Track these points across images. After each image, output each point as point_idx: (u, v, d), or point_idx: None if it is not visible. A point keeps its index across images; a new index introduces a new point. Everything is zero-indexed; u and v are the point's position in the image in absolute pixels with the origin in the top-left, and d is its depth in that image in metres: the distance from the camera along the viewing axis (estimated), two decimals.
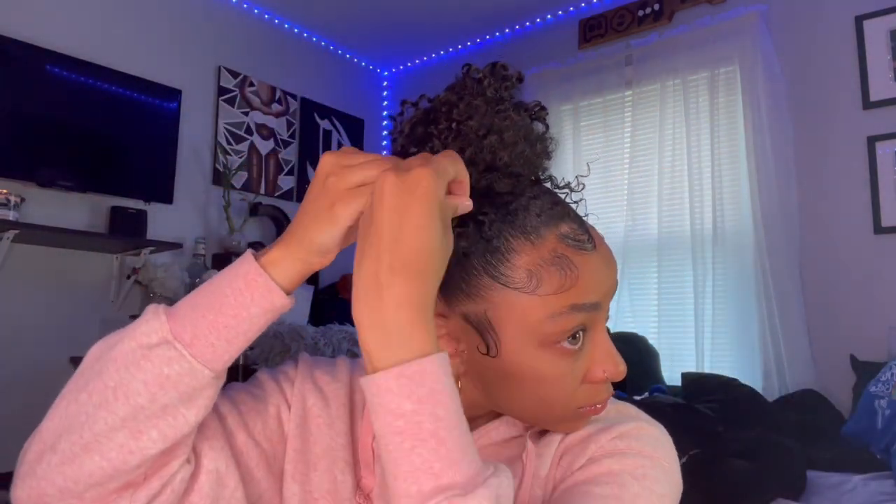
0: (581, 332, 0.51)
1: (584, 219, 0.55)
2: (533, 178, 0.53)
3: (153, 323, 0.46)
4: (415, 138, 0.52)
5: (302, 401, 0.59)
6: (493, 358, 0.51)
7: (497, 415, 0.59)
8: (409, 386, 0.40)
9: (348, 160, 0.48)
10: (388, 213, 0.43)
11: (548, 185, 0.55)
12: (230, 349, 0.48)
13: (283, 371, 0.61)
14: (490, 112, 0.50)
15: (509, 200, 0.50)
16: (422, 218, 0.42)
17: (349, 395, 0.61)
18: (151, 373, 0.45)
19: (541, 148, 0.52)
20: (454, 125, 0.50)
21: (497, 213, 0.50)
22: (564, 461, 0.54)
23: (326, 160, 0.48)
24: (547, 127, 0.54)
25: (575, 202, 0.56)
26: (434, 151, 0.49)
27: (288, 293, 0.49)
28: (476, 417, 0.58)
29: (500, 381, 0.52)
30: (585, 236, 0.51)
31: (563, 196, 0.55)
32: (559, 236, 0.50)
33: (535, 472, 0.55)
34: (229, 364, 0.49)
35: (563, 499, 0.51)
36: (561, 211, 0.52)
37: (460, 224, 0.50)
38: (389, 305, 0.42)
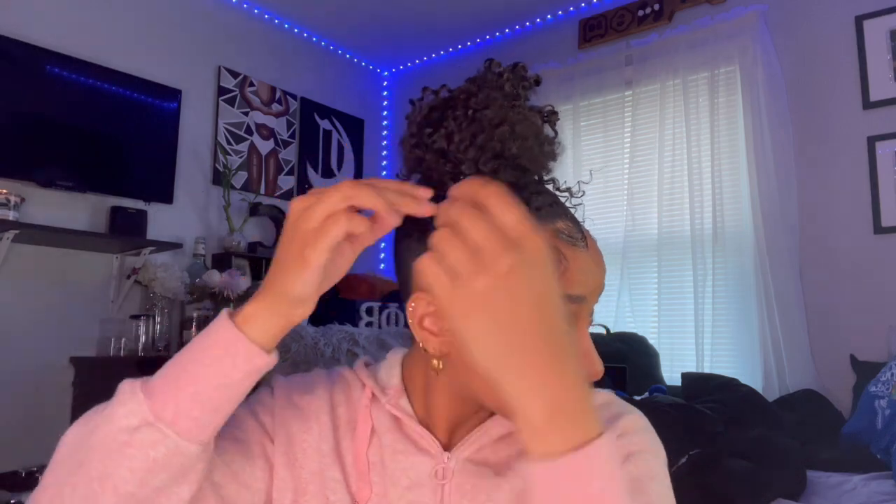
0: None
1: (581, 223, 0.57)
2: (536, 176, 0.55)
3: (131, 405, 0.45)
4: (430, 122, 0.53)
5: (285, 429, 0.58)
6: None
7: (475, 415, 0.60)
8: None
9: (311, 199, 0.46)
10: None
11: (550, 186, 0.57)
12: (216, 418, 0.47)
13: (260, 402, 0.60)
14: (506, 105, 0.51)
15: (512, 190, 0.51)
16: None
17: (331, 412, 0.60)
18: (138, 459, 0.44)
19: (548, 149, 0.54)
20: (470, 112, 0.51)
21: None
22: None
23: (293, 205, 0.48)
24: (556, 133, 0.56)
25: (574, 206, 0.57)
26: (448, 134, 0.51)
27: (269, 351, 0.48)
28: (469, 416, 0.59)
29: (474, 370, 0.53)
30: (579, 235, 0.54)
31: (563, 199, 0.57)
32: (555, 231, 0.52)
33: None
34: (217, 431, 0.48)
35: None
36: (559, 210, 0.54)
37: None
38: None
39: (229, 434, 0.57)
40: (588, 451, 0.39)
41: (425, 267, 0.41)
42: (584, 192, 0.59)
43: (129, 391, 0.46)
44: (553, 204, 0.54)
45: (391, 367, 0.63)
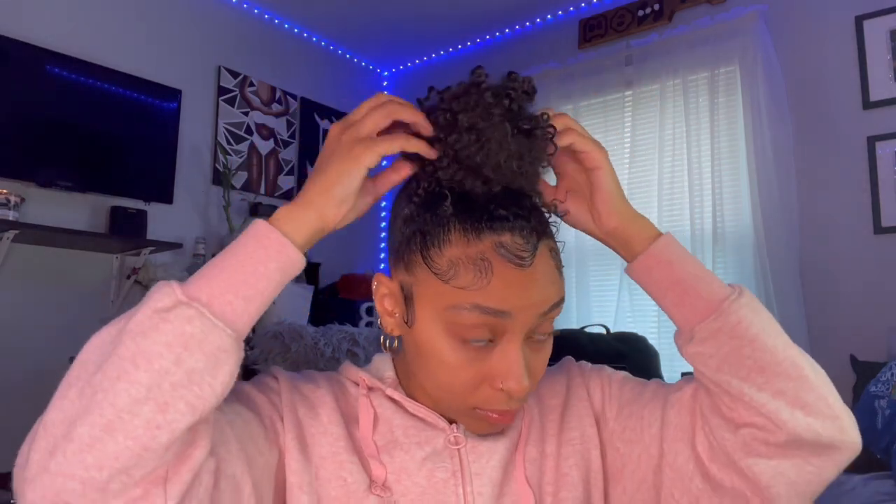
0: (489, 334, 0.53)
1: (558, 243, 0.57)
2: (508, 187, 0.54)
3: (164, 290, 0.45)
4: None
5: (293, 411, 0.58)
6: (409, 328, 0.56)
7: None
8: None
9: (353, 117, 0.53)
10: None
11: (536, 200, 0.57)
12: (249, 308, 0.47)
13: (267, 385, 0.61)
14: (481, 113, 0.52)
15: (469, 198, 0.54)
16: None
17: (335, 402, 0.61)
18: (172, 333, 0.43)
19: (517, 164, 0.53)
20: (449, 115, 0.53)
21: (453, 205, 0.53)
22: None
23: (334, 127, 0.54)
24: (556, 147, 0.56)
25: (555, 224, 0.59)
26: (436, 128, 0.54)
27: (300, 248, 0.50)
28: None
29: (413, 354, 0.58)
30: (525, 254, 0.52)
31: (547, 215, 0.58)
32: (495, 244, 0.52)
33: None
34: (250, 326, 0.48)
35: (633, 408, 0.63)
36: (514, 225, 0.52)
37: (426, 194, 0.54)
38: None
39: (240, 404, 0.56)
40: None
41: None
42: (567, 211, 0.61)
43: (163, 283, 0.46)
44: (511, 218, 0.52)
45: (382, 363, 0.65)
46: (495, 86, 0.53)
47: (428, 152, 0.54)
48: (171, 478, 0.43)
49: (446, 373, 0.55)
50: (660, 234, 0.59)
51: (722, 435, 0.54)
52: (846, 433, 0.52)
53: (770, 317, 0.55)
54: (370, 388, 0.62)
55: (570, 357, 0.71)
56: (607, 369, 0.68)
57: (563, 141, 0.56)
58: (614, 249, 0.62)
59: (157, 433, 0.41)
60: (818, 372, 0.54)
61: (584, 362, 0.70)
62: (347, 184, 0.51)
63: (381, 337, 0.61)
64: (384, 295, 0.59)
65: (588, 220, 0.61)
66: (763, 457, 0.52)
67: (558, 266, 0.56)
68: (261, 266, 0.48)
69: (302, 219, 0.51)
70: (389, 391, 0.61)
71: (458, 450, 0.59)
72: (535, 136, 0.54)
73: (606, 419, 0.64)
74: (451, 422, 0.60)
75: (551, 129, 0.55)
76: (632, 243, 0.59)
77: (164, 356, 0.43)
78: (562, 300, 0.56)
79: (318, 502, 0.55)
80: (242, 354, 0.48)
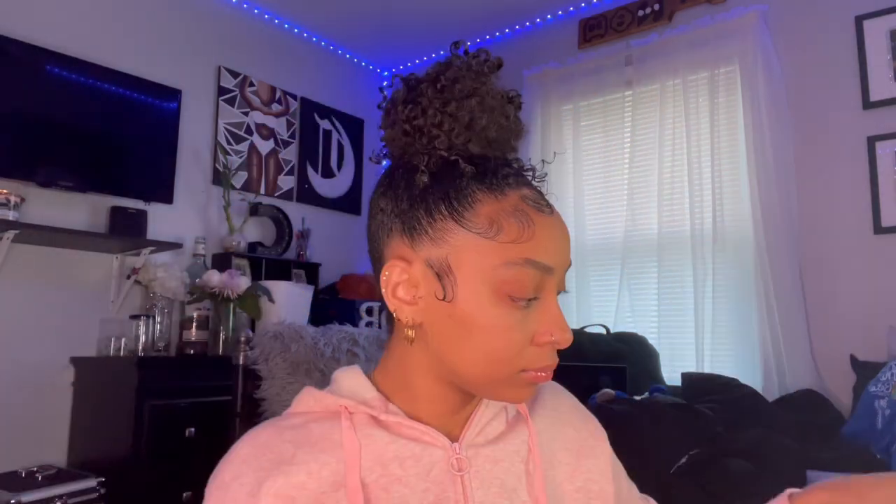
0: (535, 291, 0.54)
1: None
2: (501, 153, 0.58)
3: None
4: (404, 100, 0.57)
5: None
6: (448, 303, 0.53)
7: (463, 403, 0.60)
8: None
9: None
10: None
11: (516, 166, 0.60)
12: None
13: None
14: (474, 79, 0.55)
15: (480, 161, 0.55)
16: None
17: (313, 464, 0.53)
18: None
19: (515, 124, 0.57)
20: (439, 86, 0.55)
21: (469, 167, 0.54)
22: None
23: None
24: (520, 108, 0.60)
25: (539, 185, 0.60)
26: (422, 109, 0.55)
27: None
28: (458, 404, 0.60)
29: (452, 331, 0.54)
30: (545, 201, 0.56)
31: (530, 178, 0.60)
32: (521, 196, 0.54)
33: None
34: None
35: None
36: (524, 181, 0.56)
37: (434, 166, 0.55)
38: None
39: None
40: None
41: None
42: (546, 173, 0.61)
43: None
44: (519, 174, 0.56)
45: (357, 383, 0.60)
46: (476, 59, 0.57)
47: None
48: None
49: (499, 337, 0.53)
50: None
51: None
52: None
53: None
54: (352, 414, 0.57)
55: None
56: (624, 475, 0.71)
57: None
58: None
59: None
60: None
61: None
62: None
63: (407, 331, 0.56)
64: (397, 284, 0.55)
65: None
66: None
67: None
68: None
69: None
70: (381, 416, 0.57)
71: (461, 477, 0.56)
72: (514, 101, 0.57)
73: None
74: (452, 440, 0.58)
75: (520, 96, 0.59)
76: None
77: None
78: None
79: None
80: None
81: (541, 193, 0.57)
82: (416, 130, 0.55)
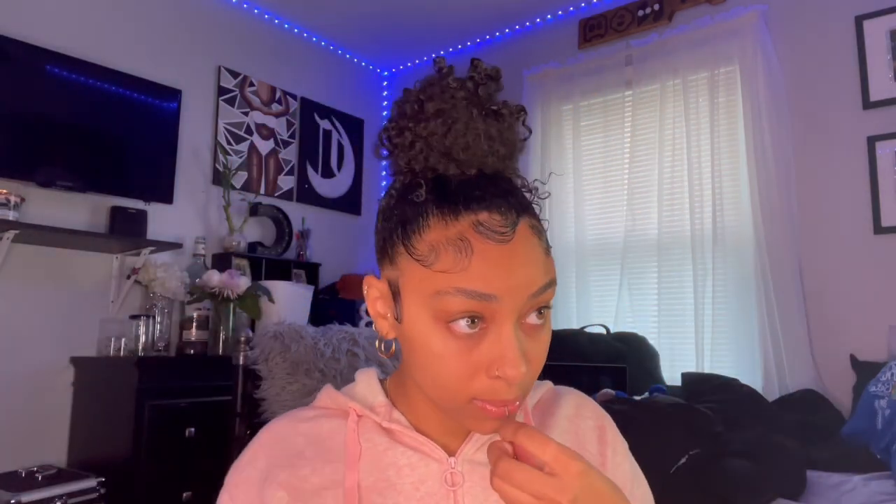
0: (477, 320, 0.51)
1: (543, 221, 0.56)
2: (483, 170, 0.54)
3: None
4: (391, 116, 0.56)
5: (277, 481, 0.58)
6: (401, 324, 0.55)
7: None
8: None
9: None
10: None
11: (518, 182, 0.57)
12: None
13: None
14: (446, 98, 0.53)
15: (446, 183, 0.53)
16: None
17: (319, 453, 0.59)
18: None
19: (497, 146, 0.53)
20: (416, 104, 0.53)
21: (428, 191, 0.53)
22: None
23: None
24: (530, 131, 0.57)
25: (537, 204, 0.57)
26: (400, 129, 0.54)
27: None
28: (450, 423, 0.59)
29: (407, 351, 0.56)
30: (505, 230, 0.51)
31: (527, 194, 0.57)
32: (474, 223, 0.51)
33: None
34: None
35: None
36: (490, 203, 0.51)
37: (402, 186, 0.55)
38: None
39: None
40: None
41: None
42: (548, 193, 0.60)
43: None
44: (487, 197, 0.51)
45: (369, 386, 0.63)
46: (457, 77, 0.54)
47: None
48: None
49: (438, 364, 0.52)
50: None
51: None
52: None
53: None
54: (360, 419, 0.60)
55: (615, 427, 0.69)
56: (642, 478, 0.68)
57: None
58: None
59: None
60: None
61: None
62: None
63: (377, 341, 0.59)
64: (376, 298, 0.58)
65: None
66: None
67: (544, 245, 0.54)
68: None
69: None
70: (384, 422, 0.59)
71: (454, 492, 0.57)
72: (502, 116, 0.54)
73: None
74: (451, 453, 0.59)
75: (522, 112, 0.55)
76: None
77: None
78: (552, 281, 0.53)
79: None
80: None
81: (504, 218, 0.51)
82: (395, 148, 0.55)
